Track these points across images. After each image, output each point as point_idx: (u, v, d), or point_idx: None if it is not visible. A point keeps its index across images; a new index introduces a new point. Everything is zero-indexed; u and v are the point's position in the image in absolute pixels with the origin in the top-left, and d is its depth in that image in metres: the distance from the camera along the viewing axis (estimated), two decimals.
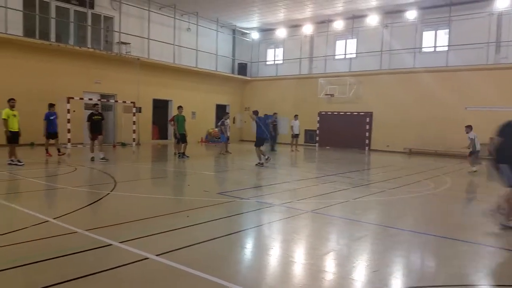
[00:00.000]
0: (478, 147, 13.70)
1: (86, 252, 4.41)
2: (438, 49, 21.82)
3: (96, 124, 13.49)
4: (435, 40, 22.02)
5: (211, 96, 26.66)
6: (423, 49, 22.23)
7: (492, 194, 8.12)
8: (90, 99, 19.43)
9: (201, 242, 4.87)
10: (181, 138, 15.38)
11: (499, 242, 5.60)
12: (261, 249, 4.95)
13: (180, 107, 15.66)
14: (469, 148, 13.90)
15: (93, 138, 13.53)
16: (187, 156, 15.21)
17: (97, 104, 15.24)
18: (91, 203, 7.11)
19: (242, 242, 5.23)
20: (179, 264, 4.10)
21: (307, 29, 25.60)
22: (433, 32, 21.95)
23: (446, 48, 21.28)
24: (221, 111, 27.08)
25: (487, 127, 19.26)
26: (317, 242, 5.26)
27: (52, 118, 13.89)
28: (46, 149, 13.92)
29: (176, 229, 5.41)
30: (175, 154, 16.12)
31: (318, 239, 5.44)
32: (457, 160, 18.20)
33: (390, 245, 5.21)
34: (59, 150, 13.96)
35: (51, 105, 14.15)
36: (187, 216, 6.20)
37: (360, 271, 4.26)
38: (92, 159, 13.12)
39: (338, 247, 5.15)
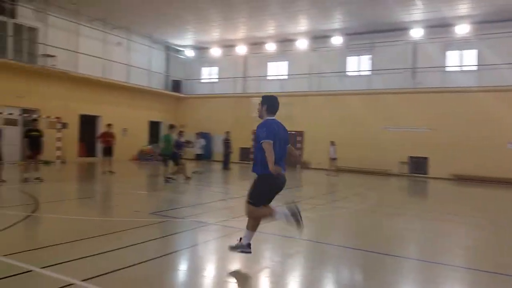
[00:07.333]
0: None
1: (2, 281, 4.03)
2: (362, 73, 23.39)
3: (35, 141, 12.30)
4: (358, 64, 23.58)
5: (144, 113, 25.95)
6: (348, 73, 23.69)
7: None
8: (11, 114, 18.04)
9: (131, 266, 4.66)
10: (173, 159, 13.79)
11: (424, 255, 6.02)
12: (194, 271, 4.87)
13: (173, 126, 14.46)
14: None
15: (31, 157, 12.35)
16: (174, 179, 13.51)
17: (36, 120, 13.28)
18: (8, 227, 6.51)
19: (175, 264, 5.10)
20: None
21: (241, 49, 26.10)
22: (357, 57, 23.51)
23: (369, 72, 22.86)
24: (155, 128, 26.61)
25: (404, 145, 20.82)
26: (252, 260, 5.27)
27: None
28: None
29: (104, 252, 5.13)
30: (104, 173, 15.41)
31: (252, 257, 5.45)
32: (380, 177, 19.37)
33: (321, 260, 5.39)
34: None
35: None
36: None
37: None
38: (26, 179, 11.98)
39: (272, 264, 5.21)
